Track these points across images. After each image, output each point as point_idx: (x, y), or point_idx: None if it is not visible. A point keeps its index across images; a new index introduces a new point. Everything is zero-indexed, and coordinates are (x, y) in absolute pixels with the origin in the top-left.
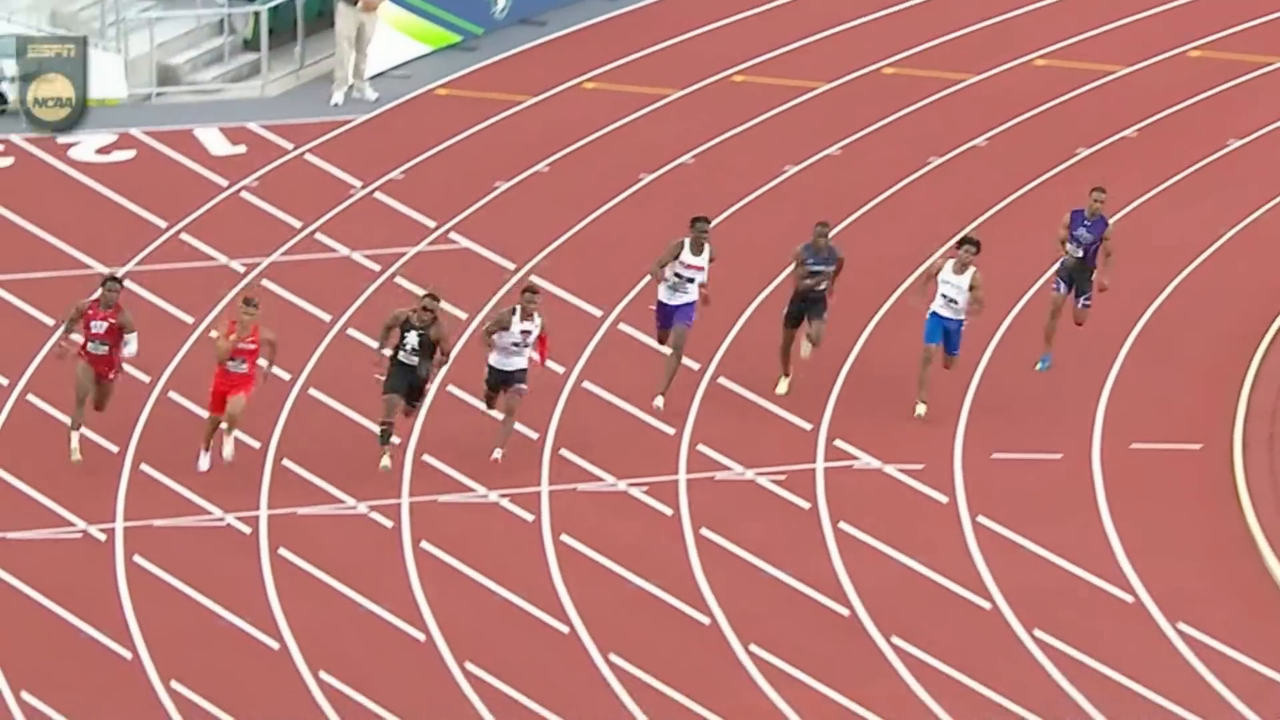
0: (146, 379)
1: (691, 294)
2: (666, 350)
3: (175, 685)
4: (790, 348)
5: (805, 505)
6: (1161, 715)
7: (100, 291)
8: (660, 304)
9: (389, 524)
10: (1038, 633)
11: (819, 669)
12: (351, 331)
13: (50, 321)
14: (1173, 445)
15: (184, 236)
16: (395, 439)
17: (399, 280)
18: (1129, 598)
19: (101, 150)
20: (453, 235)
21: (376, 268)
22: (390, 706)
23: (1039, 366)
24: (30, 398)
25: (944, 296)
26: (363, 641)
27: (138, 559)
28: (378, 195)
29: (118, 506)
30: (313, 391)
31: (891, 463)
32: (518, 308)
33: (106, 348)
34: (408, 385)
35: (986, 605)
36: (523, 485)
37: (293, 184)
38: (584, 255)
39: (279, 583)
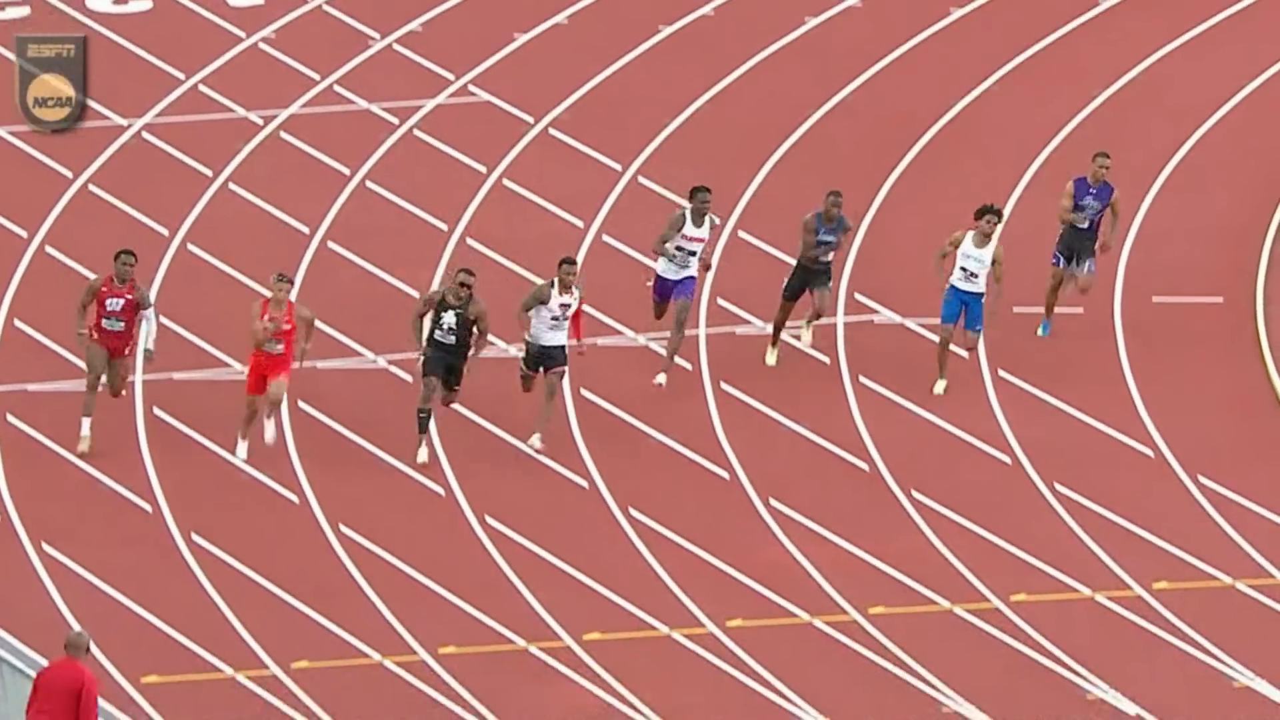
0: (165, 232)
1: (692, 268)
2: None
3: (195, 538)
4: (785, 320)
5: (825, 360)
6: (1181, 568)
7: (115, 266)
8: (659, 279)
9: (408, 379)
10: (1058, 487)
11: (838, 524)
12: (370, 184)
13: (68, 173)
14: (1194, 299)
15: (202, 88)
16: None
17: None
18: (1150, 452)
19: (119, 1)
20: (471, 88)
21: (395, 120)
22: (409, 560)
23: (1040, 332)
24: (49, 249)
25: (963, 270)
26: (382, 496)
27: (158, 412)
28: (396, 47)
29: (137, 360)
30: (331, 245)
31: (912, 317)
32: (555, 280)
33: (122, 324)
34: (445, 368)
35: (1007, 460)
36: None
37: (311, 36)
38: (603, 108)
39: (298, 439)
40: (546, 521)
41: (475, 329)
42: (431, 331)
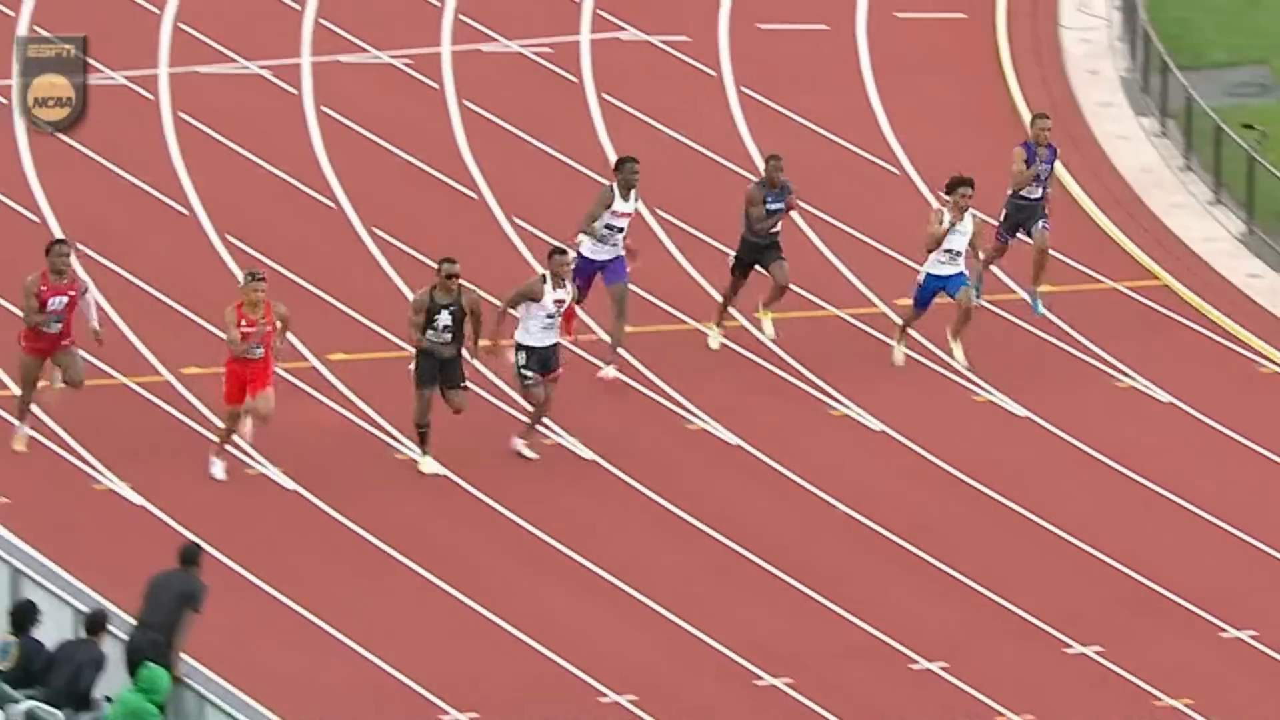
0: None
1: (620, 246)
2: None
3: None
4: (735, 297)
5: (572, 79)
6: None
7: (49, 259)
8: (583, 259)
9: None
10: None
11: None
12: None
13: None
14: (937, 14)
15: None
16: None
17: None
18: (895, 170)
19: None
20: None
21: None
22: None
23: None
24: None
25: (949, 251)
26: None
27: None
28: None
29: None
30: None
31: (657, 34)
32: (547, 274)
33: (63, 322)
34: (443, 372)
35: (754, 178)
36: (283, 56)
37: None
38: None
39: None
40: (295, 241)
41: (470, 319)
42: (423, 337)
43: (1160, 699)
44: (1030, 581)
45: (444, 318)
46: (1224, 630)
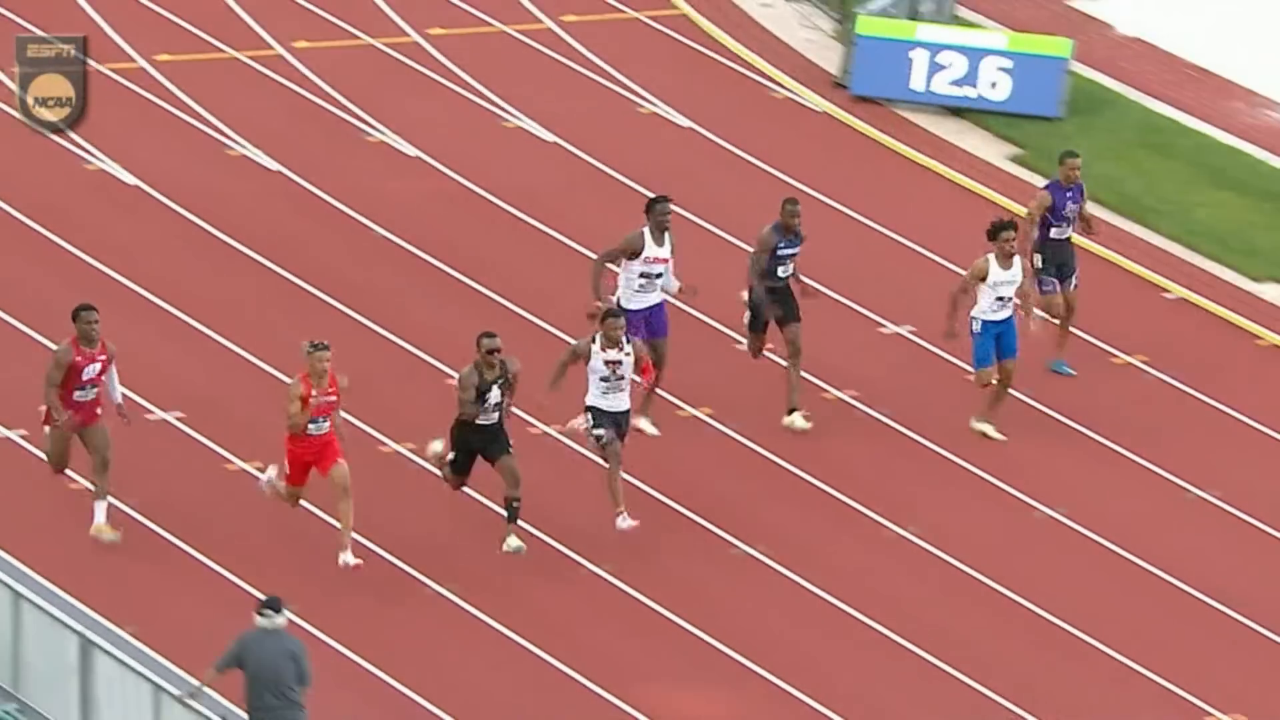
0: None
1: (659, 294)
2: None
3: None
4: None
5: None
6: (457, 14)
7: (78, 327)
8: (626, 311)
9: None
10: None
11: None
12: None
13: None
14: None
15: None
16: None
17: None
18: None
19: None
20: None
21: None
22: None
23: (1059, 369)
24: None
25: (999, 300)
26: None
27: None
28: None
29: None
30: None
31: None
32: (598, 335)
33: (96, 390)
34: (484, 447)
35: None
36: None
37: None
38: None
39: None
40: None
41: (513, 388)
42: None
43: None
44: None
45: (494, 394)
46: None
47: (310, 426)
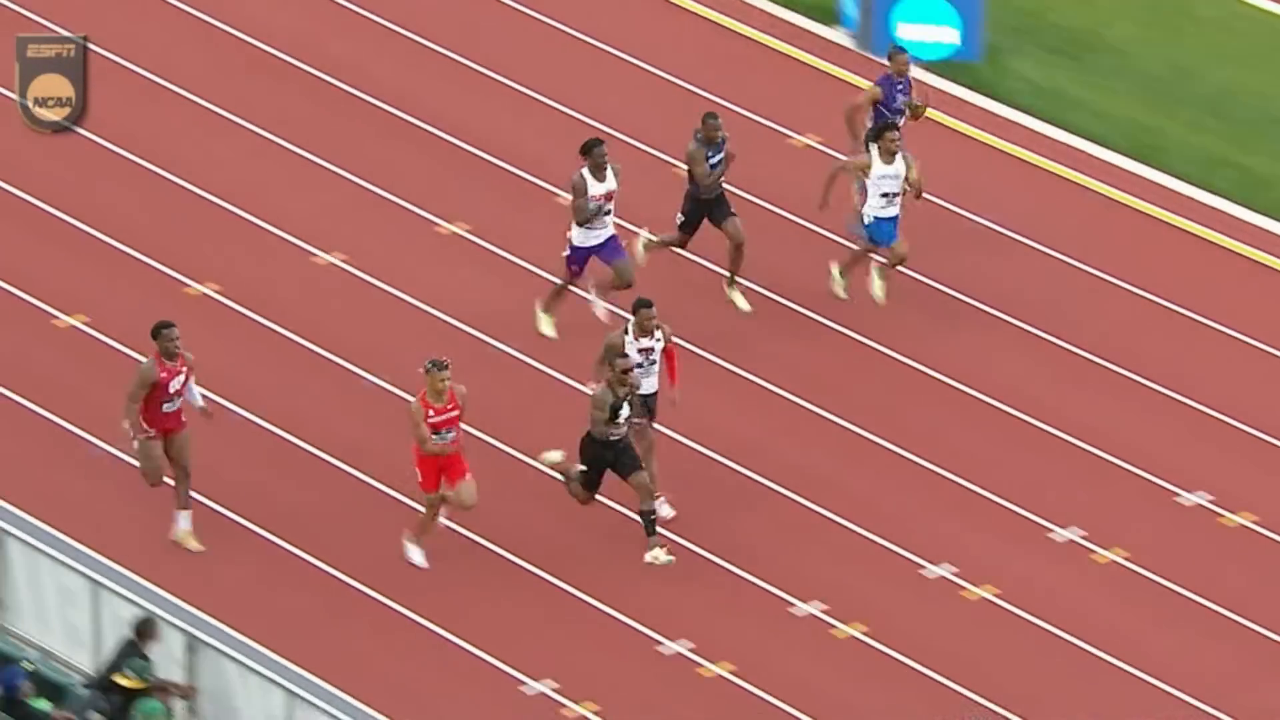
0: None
1: (610, 226)
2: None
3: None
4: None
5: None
6: None
7: (160, 344)
8: (577, 251)
9: None
10: None
11: None
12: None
13: None
14: None
15: None
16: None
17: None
18: None
19: None
20: None
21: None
22: None
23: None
24: None
25: (884, 196)
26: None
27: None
28: None
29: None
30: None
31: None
32: (629, 325)
33: (181, 400)
34: (618, 454)
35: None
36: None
37: None
38: None
39: None
40: None
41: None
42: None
43: None
44: None
45: (626, 410)
46: None
47: (434, 438)
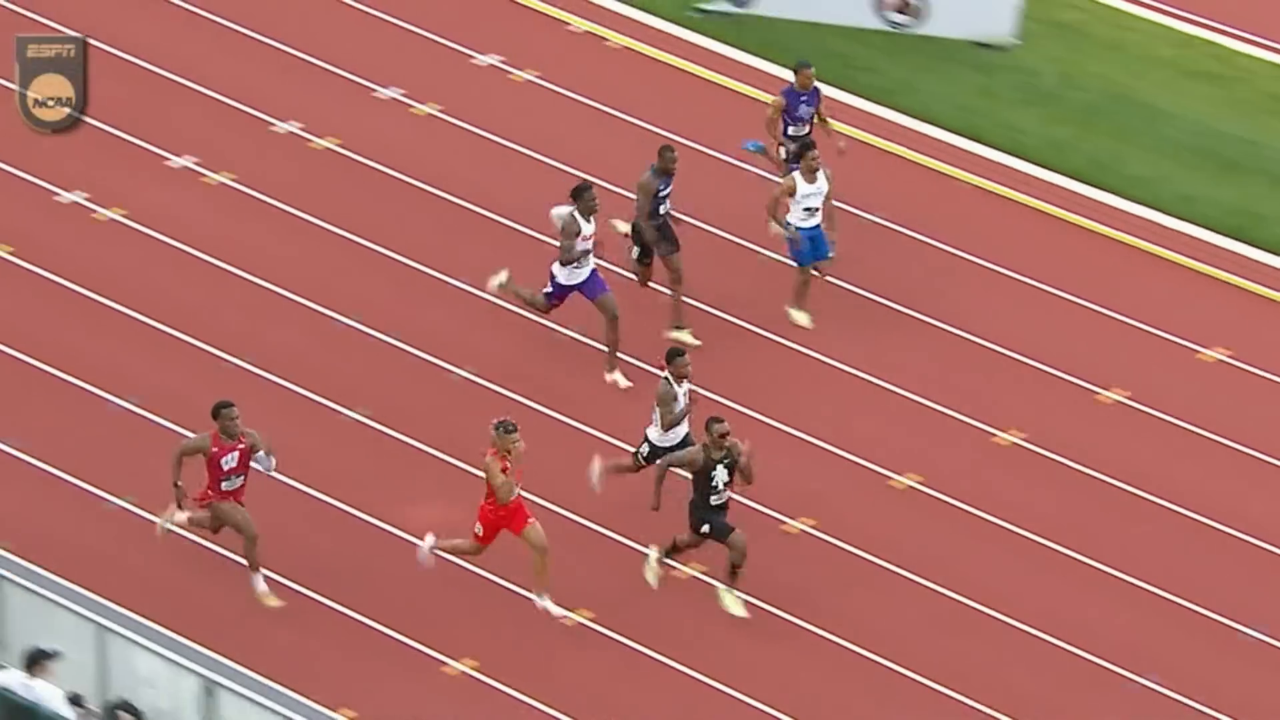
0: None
1: (592, 263)
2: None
3: None
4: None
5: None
6: None
7: (220, 423)
8: (560, 289)
9: None
10: None
11: None
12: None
13: None
14: None
15: None
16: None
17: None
18: None
19: None
20: None
21: None
22: None
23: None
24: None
25: (807, 210)
26: None
27: None
28: None
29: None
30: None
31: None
32: (669, 375)
33: (243, 478)
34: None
35: None
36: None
37: None
38: None
39: None
40: None
41: (744, 472)
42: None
43: None
44: None
45: (721, 474)
46: None
47: (512, 495)
